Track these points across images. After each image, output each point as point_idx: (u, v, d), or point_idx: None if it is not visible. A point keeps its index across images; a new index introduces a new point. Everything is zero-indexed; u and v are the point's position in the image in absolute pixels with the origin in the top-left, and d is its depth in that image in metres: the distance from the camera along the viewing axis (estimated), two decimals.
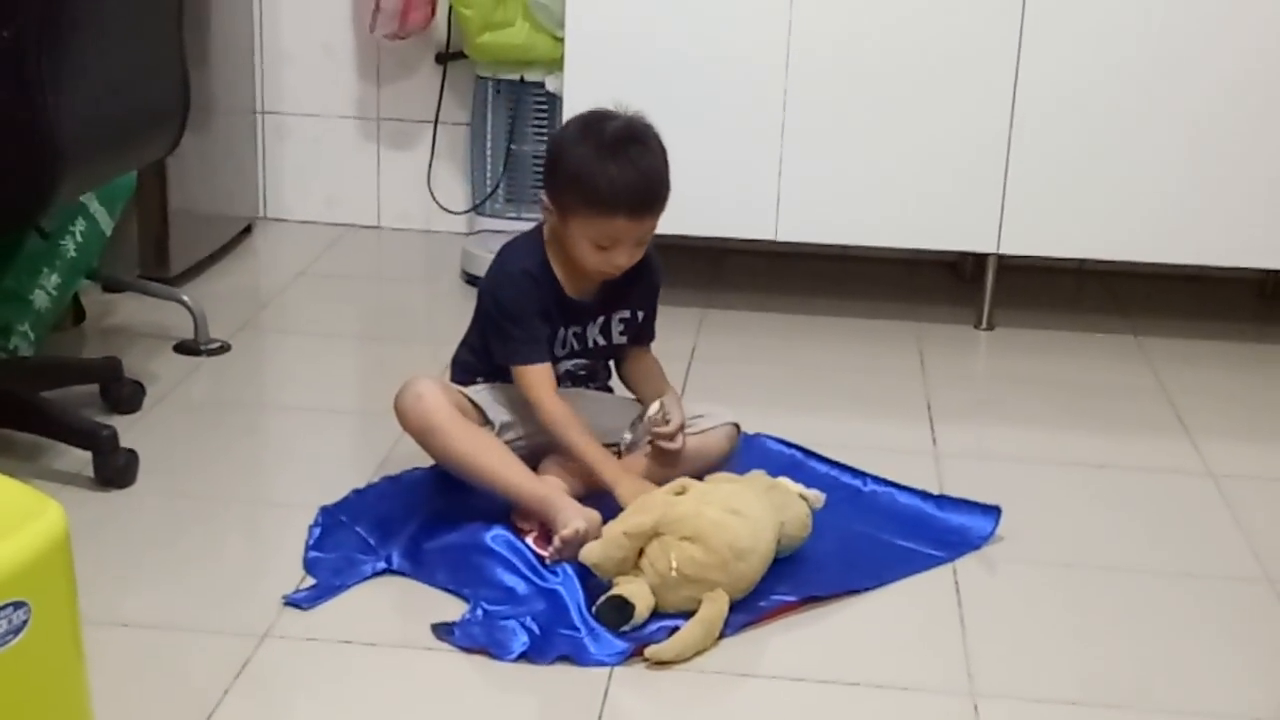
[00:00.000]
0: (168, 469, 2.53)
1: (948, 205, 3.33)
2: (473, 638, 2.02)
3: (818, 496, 2.30)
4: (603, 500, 2.26)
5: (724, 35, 3.27)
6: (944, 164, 3.30)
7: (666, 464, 2.37)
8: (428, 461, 2.41)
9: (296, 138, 4.00)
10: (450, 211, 3.91)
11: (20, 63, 2.21)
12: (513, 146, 3.66)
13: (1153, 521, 2.53)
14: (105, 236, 2.94)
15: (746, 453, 2.52)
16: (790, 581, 2.19)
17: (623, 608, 2.05)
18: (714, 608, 2.05)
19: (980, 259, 3.50)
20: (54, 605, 1.44)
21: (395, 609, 2.14)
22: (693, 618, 2.04)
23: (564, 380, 2.44)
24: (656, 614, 2.08)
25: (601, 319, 2.42)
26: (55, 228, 2.78)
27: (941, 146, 3.29)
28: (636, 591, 2.07)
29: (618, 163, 2.26)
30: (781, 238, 3.39)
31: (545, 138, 3.59)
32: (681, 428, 2.38)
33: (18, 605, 1.38)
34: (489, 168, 3.72)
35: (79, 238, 2.86)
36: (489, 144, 3.70)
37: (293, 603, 2.11)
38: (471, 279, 3.51)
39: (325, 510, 2.36)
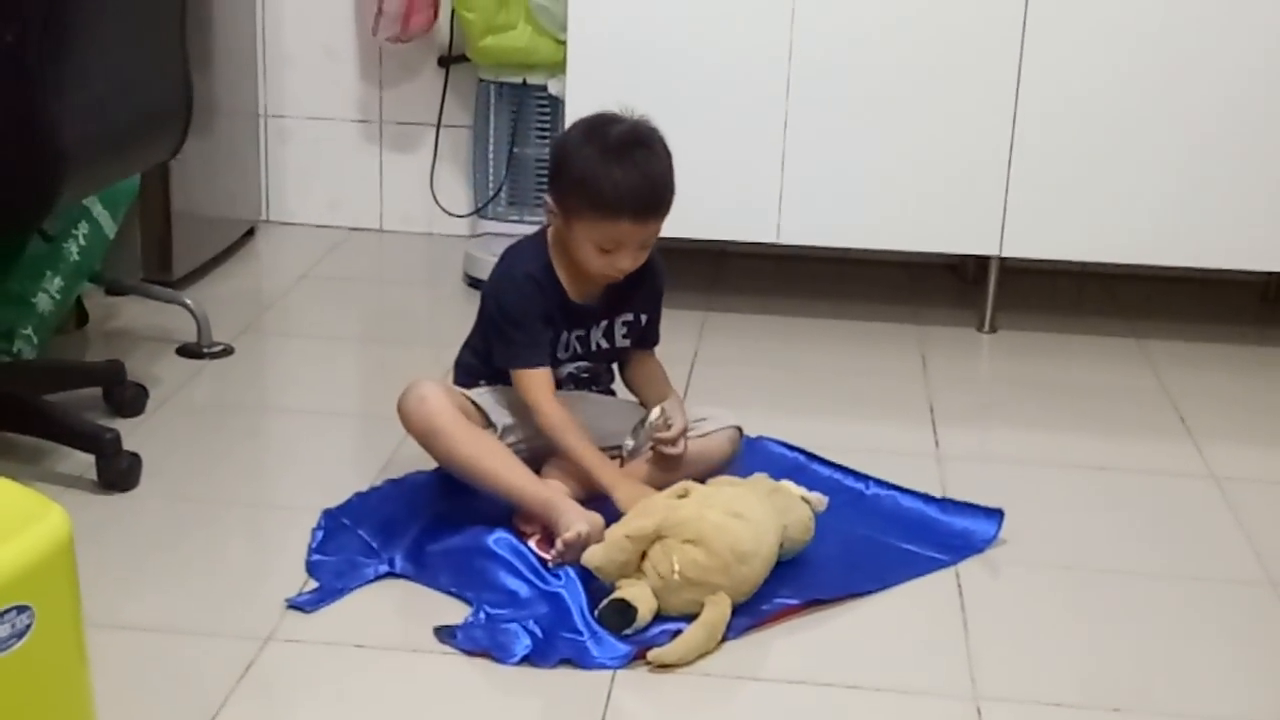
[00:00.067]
0: (170, 472, 2.53)
1: (950, 208, 3.33)
2: (475, 641, 2.02)
3: (820, 499, 2.30)
4: (605, 503, 2.26)
5: (726, 38, 3.27)
6: (946, 166, 3.30)
7: (668, 468, 2.37)
8: (430, 464, 2.41)
9: (299, 141, 4.00)
10: (453, 214, 3.91)
11: (23, 66, 2.21)
12: (515, 149, 3.66)
13: (1155, 524, 2.52)
14: (108, 240, 2.94)
15: (749, 456, 2.52)
16: (793, 585, 2.18)
17: (625, 611, 2.05)
18: (716, 611, 2.05)
19: (982, 261, 3.50)
20: (57, 609, 1.44)
21: (398, 612, 2.14)
22: (695, 621, 2.04)
23: (566, 383, 2.44)
24: (659, 617, 2.08)
25: (605, 322, 2.42)
26: (58, 231, 2.78)
27: (943, 149, 3.29)
28: (639, 595, 2.07)
29: (623, 166, 2.26)
30: (784, 240, 3.39)
31: (548, 141, 3.59)
32: (683, 432, 2.38)
33: (21, 609, 1.38)
34: (491, 171, 3.72)
35: (82, 241, 2.86)
36: (491, 147, 3.70)
37: (295, 606, 2.11)
38: (474, 282, 3.51)
39: (328, 513, 2.36)
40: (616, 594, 2.08)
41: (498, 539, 2.24)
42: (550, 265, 2.36)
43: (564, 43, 3.36)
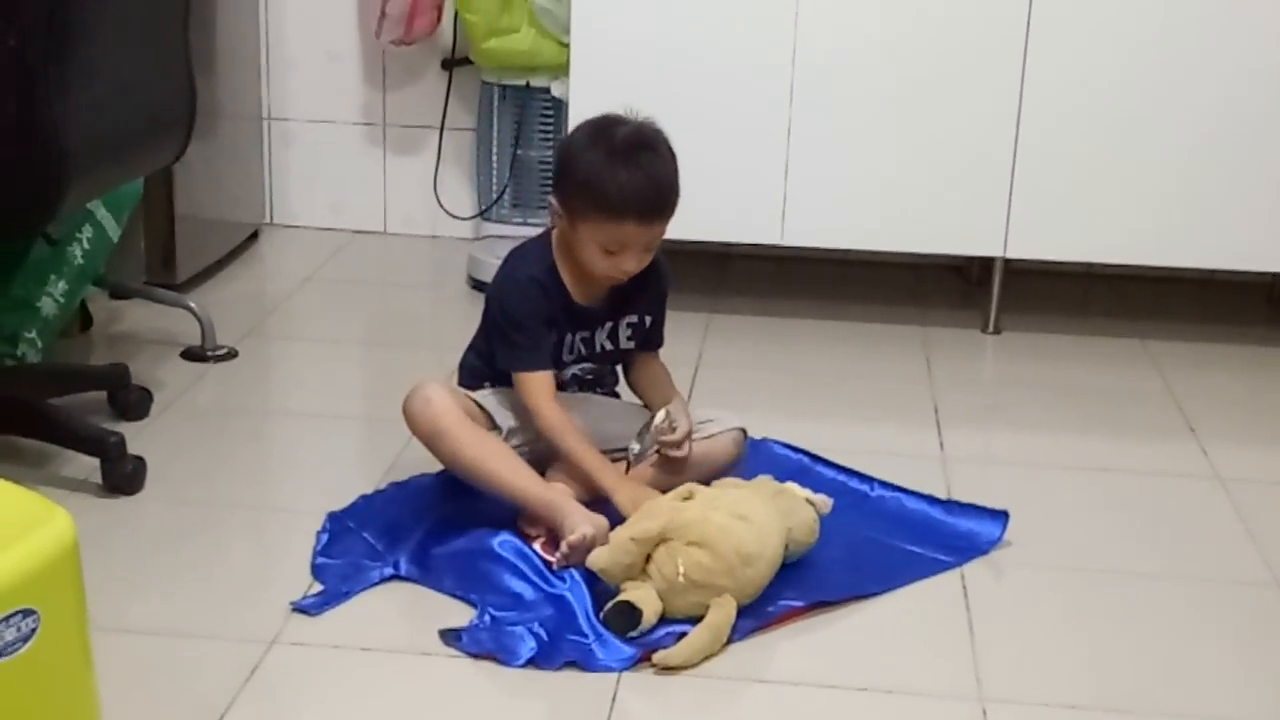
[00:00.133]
0: (175, 475, 2.53)
1: (954, 209, 3.33)
2: (480, 643, 2.02)
3: (825, 501, 2.30)
4: (609, 506, 2.26)
5: (730, 40, 3.27)
6: (950, 168, 3.30)
7: (673, 470, 2.37)
8: (435, 467, 2.41)
9: (302, 144, 4.01)
10: (456, 217, 3.91)
11: (26, 70, 2.21)
12: (519, 152, 3.66)
13: (1160, 525, 2.52)
14: (112, 243, 2.94)
15: (753, 458, 2.52)
16: (798, 587, 2.18)
17: (630, 613, 2.05)
18: (721, 613, 2.05)
19: (987, 263, 3.49)
20: (62, 612, 1.44)
21: (403, 615, 2.14)
22: (700, 623, 2.04)
23: (570, 385, 2.44)
24: (664, 619, 2.08)
25: (609, 324, 2.42)
26: (62, 235, 2.78)
27: (948, 151, 3.29)
28: (644, 597, 2.07)
29: (628, 168, 2.26)
30: (788, 242, 3.39)
31: (551, 143, 3.59)
32: (689, 435, 2.38)
33: (26, 613, 1.38)
34: (495, 173, 3.72)
35: (86, 245, 2.86)
36: (495, 149, 3.70)
37: (300, 609, 2.11)
38: (478, 284, 3.51)
39: (333, 516, 2.36)
40: (621, 596, 2.08)
41: (502, 541, 2.24)
42: (554, 267, 2.36)
43: (567, 45, 3.36)
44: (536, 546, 2.24)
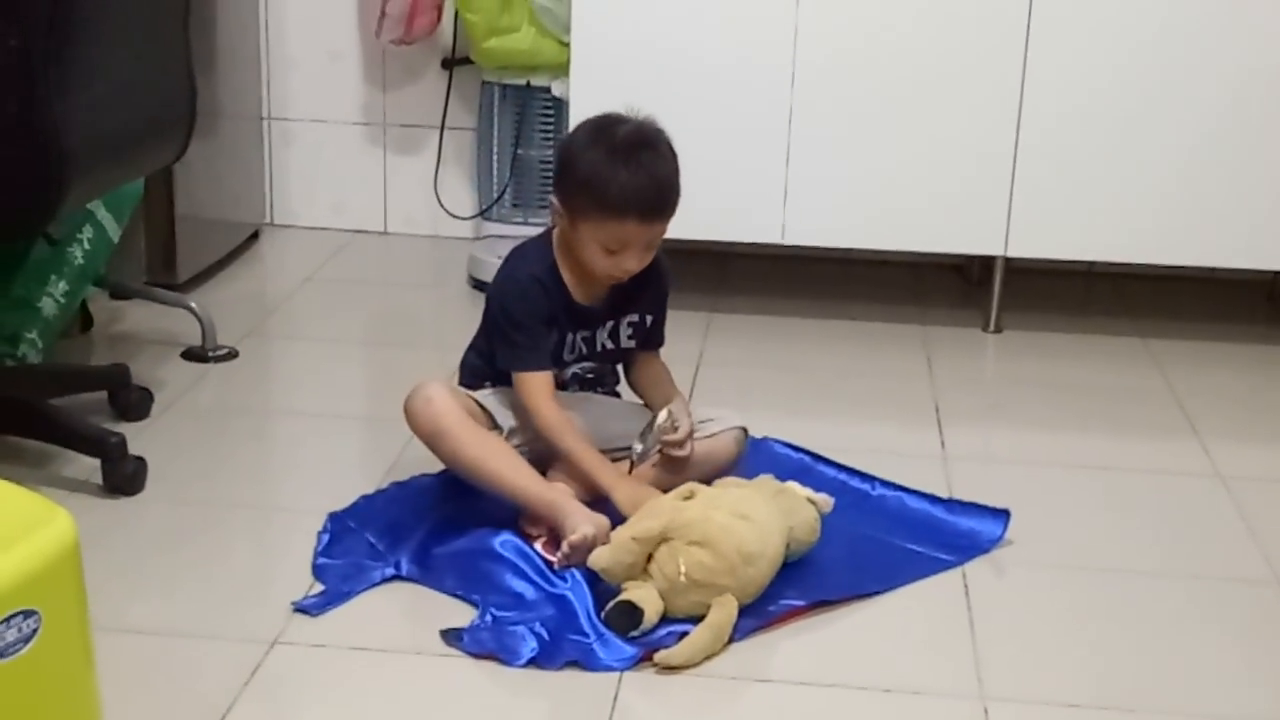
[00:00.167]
0: (176, 476, 2.53)
1: (955, 208, 3.33)
2: (482, 643, 2.02)
3: (826, 500, 2.30)
4: (611, 505, 2.26)
5: (730, 39, 3.27)
6: (951, 167, 3.30)
7: (675, 470, 2.37)
8: (436, 467, 2.41)
9: (303, 144, 4.01)
10: (457, 217, 3.91)
11: (27, 70, 2.21)
12: (519, 151, 3.66)
13: (1162, 524, 2.52)
14: (113, 243, 2.94)
15: (754, 457, 2.52)
16: (799, 586, 2.18)
17: (631, 613, 2.05)
18: (723, 612, 2.05)
19: (987, 262, 3.49)
20: (64, 613, 1.44)
21: (404, 615, 2.14)
22: (702, 623, 2.04)
23: (571, 384, 2.44)
24: (665, 619, 2.08)
25: (610, 323, 2.42)
26: (63, 235, 2.78)
27: (948, 149, 3.29)
28: (645, 596, 2.07)
29: (629, 167, 2.26)
30: (788, 241, 3.39)
31: (552, 143, 3.59)
32: (690, 434, 2.38)
33: (28, 613, 1.38)
34: (496, 173, 3.72)
35: (86, 245, 2.86)
36: (495, 149, 3.70)
37: (302, 609, 2.11)
38: (478, 284, 3.51)
39: (334, 516, 2.36)
40: (623, 596, 2.07)
41: (504, 541, 2.24)
42: (555, 267, 2.36)
43: (567, 44, 3.36)
44: (538, 546, 2.24)
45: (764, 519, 2.16)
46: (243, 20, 3.78)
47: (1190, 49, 3.20)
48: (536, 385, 2.33)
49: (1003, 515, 2.40)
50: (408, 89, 3.94)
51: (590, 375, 2.47)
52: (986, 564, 2.33)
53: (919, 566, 2.29)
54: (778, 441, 2.67)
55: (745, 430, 2.49)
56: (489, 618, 2.08)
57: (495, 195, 3.72)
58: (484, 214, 3.78)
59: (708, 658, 2.01)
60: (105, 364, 2.88)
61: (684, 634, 2.03)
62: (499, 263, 2.46)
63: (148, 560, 2.26)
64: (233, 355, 3.11)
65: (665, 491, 2.25)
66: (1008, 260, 3.40)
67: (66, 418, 2.57)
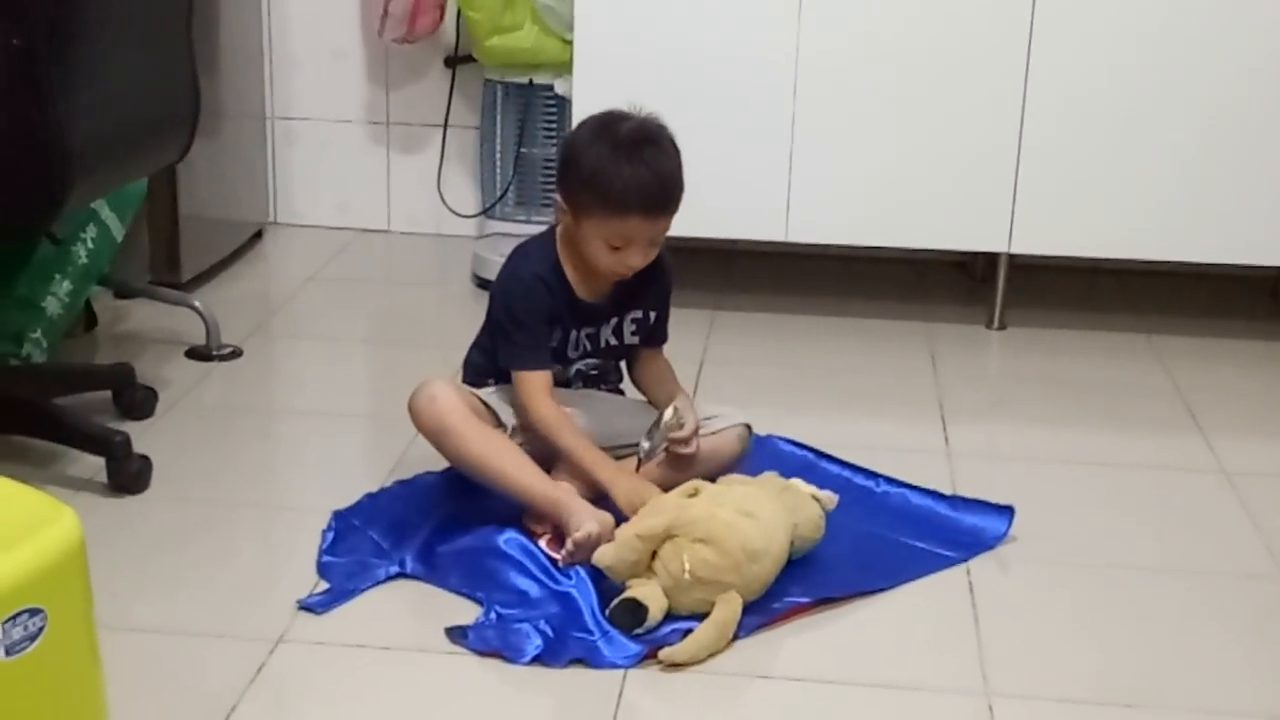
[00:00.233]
0: (180, 474, 2.53)
1: (958, 205, 3.33)
2: (486, 641, 2.02)
3: (830, 498, 2.30)
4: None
5: (733, 37, 3.27)
6: (954, 164, 3.30)
7: (680, 467, 2.37)
8: (440, 465, 2.41)
9: (306, 143, 4.01)
10: (460, 215, 3.91)
11: (31, 70, 2.22)
12: (522, 149, 3.66)
13: (1166, 520, 2.52)
14: (116, 243, 2.94)
15: (758, 454, 2.52)
16: (803, 583, 2.18)
17: (636, 610, 2.05)
18: (727, 609, 2.05)
19: (991, 259, 3.49)
20: (69, 611, 1.45)
21: (409, 613, 2.14)
22: (706, 620, 2.04)
23: (575, 380, 2.44)
24: (670, 616, 2.08)
25: (614, 320, 2.43)
26: (67, 234, 2.79)
27: (952, 146, 3.29)
28: (650, 594, 2.07)
29: (632, 163, 2.26)
30: (792, 238, 3.39)
31: (555, 141, 3.59)
32: (696, 431, 2.38)
33: (33, 611, 1.39)
34: (499, 171, 3.72)
35: (90, 244, 2.86)
36: (499, 147, 3.70)
37: (306, 607, 2.11)
38: (482, 283, 3.52)
39: (338, 514, 2.36)
40: (627, 593, 2.08)
41: (508, 539, 2.24)
42: (558, 264, 2.36)
43: (570, 42, 3.36)
44: (542, 544, 2.24)
45: (768, 516, 2.16)
46: (246, 19, 3.79)
47: (1194, 45, 3.20)
48: (534, 384, 2.33)
49: (1007, 512, 2.40)
50: (411, 88, 3.94)
51: (594, 372, 2.47)
52: (991, 560, 2.33)
53: (923, 563, 2.29)
54: (782, 438, 2.67)
55: (749, 427, 2.49)
56: (494, 615, 2.08)
57: (498, 193, 3.72)
58: (487, 212, 3.78)
59: (712, 655, 2.01)
60: (109, 363, 2.88)
61: (688, 631, 2.03)
62: (502, 261, 2.46)
63: (153, 559, 2.26)
64: (237, 354, 3.11)
65: (670, 489, 2.25)
66: (1011, 257, 3.40)
67: (71, 417, 2.57)
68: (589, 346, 2.42)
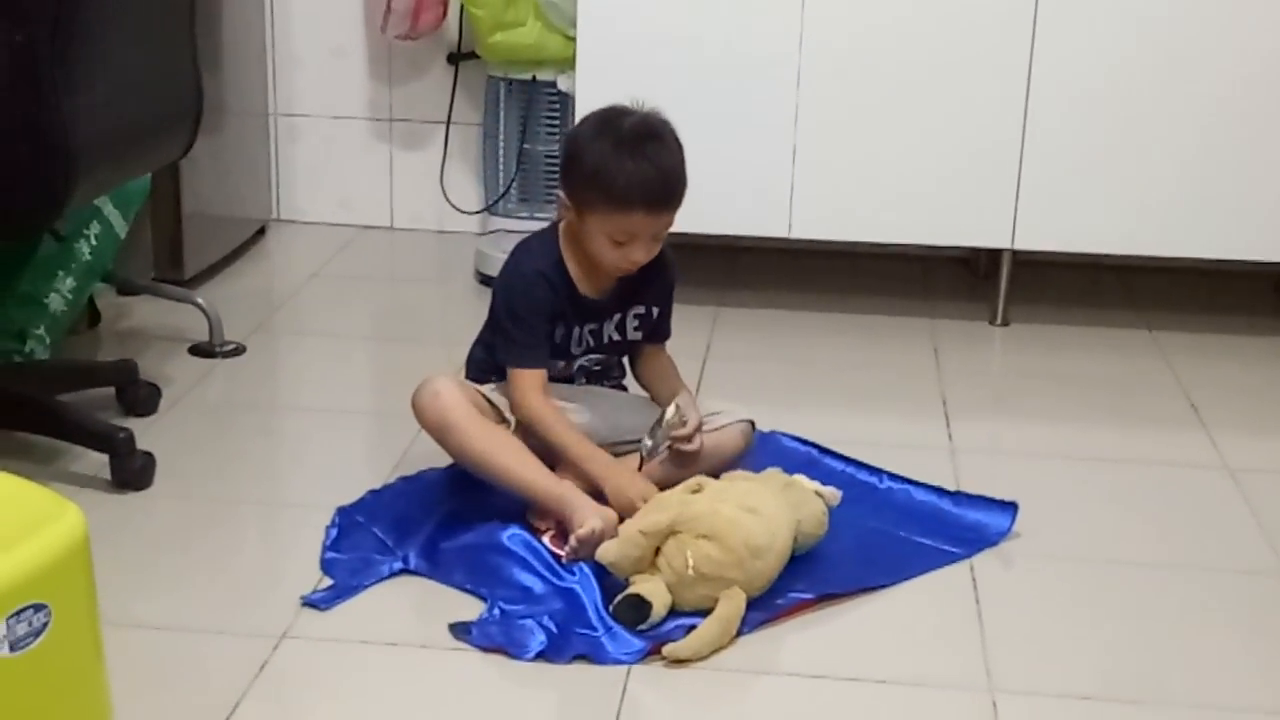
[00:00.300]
0: (184, 471, 2.53)
1: (961, 201, 3.32)
2: (490, 637, 2.02)
3: (834, 494, 2.30)
4: None
5: (736, 33, 3.27)
6: (958, 160, 3.30)
7: (683, 464, 2.37)
8: (443, 461, 2.41)
9: (309, 139, 4.01)
10: (463, 212, 3.91)
11: (34, 67, 2.22)
12: (525, 146, 3.66)
13: (1169, 516, 2.52)
14: (120, 239, 2.94)
15: (762, 450, 2.52)
16: (807, 579, 2.18)
17: (640, 606, 2.05)
18: (731, 605, 2.05)
19: (994, 255, 3.49)
20: (74, 607, 1.45)
21: (413, 609, 2.14)
22: (710, 616, 2.04)
23: (578, 376, 2.44)
24: (674, 612, 2.08)
25: (617, 316, 2.42)
26: (70, 231, 2.79)
27: (955, 143, 3.29)
28: (653, 590, 2.07)
29: (635, 158, 2.26)
30: (795, 235, 3.39)
31: (557, 137, 3.59)
32: (699, 428, 2.38)
33: (38, 608, 1.39)
34: (502, 168, 3.72)
35: (93, 241, 2.86)
36: (501, 144, 3.70)
37: (310, 603, 2.11)
38: (485, 279, 3.52)
39: (342, 511, 2.36)
40: (631, 589, 2.08)
41: (512, 535, 2.24)
42: (561, 260, 2.36)
43: (573, 39, 3.36)
44: (546, 540, 2.24)
45: (772, 512, 2.16)
46: (248, 16, 3.79)
47: (1197, 41, 3.20)
48: (527, 380, 2.32)
49: (1010, 508, 2.40)
50: (413, 84, 3.94)
51: (597, 368, 2.47)
52: (994, 557, 2.33)
53: (927, 559, 2.29)
54: (785, 434, 2.67)
55: (752, 423, 2.49)
56: (497, 611, 2.08)
57: (501, 190, 3.72)
58: (490, 209, 3.78)
59: (716, 651, 2.02)
60: (113, 360, 2.88)
61: (692, 627, 2.03)
62: (505, 257, 2.46)
63: (156, 555, 2.26)
64: (240, 351, 3.11)
65: (673, 486, 2.25)
66: (1014, 253, 3.40)
67: (74, 413, 2.57)
68: (592, 342, 2.42)
